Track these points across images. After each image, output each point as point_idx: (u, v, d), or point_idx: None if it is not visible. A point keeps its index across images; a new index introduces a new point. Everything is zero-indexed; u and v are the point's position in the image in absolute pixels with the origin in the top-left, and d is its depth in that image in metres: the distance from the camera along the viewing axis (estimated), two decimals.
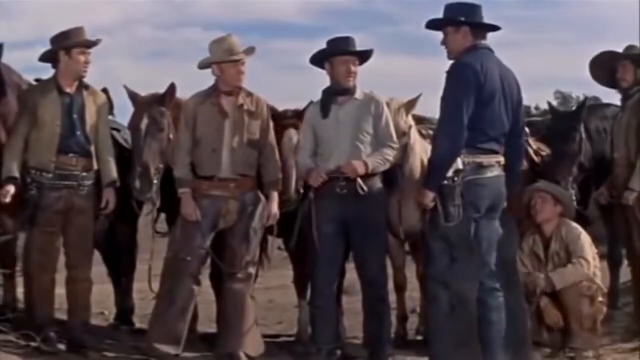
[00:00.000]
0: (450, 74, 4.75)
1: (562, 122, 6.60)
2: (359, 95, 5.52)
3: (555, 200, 5.81)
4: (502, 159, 4.84)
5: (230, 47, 5.41)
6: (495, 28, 4.92)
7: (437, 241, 4.73)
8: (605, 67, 6.35)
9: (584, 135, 6.50)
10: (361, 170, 5.30)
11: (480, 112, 4.70)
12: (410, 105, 5.86)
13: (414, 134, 5.92)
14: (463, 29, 4.84)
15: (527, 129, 6.72)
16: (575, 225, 5.79)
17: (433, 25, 4.95)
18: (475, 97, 4.66)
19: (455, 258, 4.67)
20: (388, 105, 5.70)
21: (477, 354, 4.72)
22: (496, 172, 4.81)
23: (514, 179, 4.96)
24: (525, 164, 6.45)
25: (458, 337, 4.66)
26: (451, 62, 4.88)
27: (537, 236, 5.83)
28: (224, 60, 5.40)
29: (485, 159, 4.75)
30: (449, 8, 4.88)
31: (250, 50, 5.52)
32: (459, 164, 4.66)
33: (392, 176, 5.60)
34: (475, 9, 4.88)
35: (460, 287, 4.67)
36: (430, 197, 4.69)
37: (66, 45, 5.38)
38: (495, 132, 4.80)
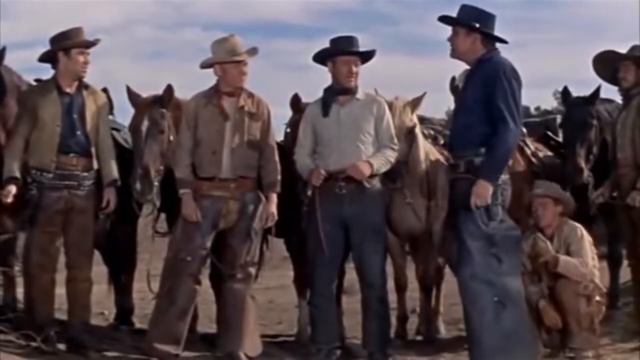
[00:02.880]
0: (513, 76, 4.82)
1: (577, 108, 6.54)
2: (360, 95, 5.52)
3: (555, 201, 5.80)
4: None
5: (233, 48, 5.41)
6: (503, 41, 4.96)
7: (477, 239, 4.73)
8: (607, 65, 6.34)
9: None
10: (367, 171, 5.32)
11: None
12: (415, 103, 5.89)
13: (419, 132, 5.94)
14: (475, 34, 4.89)
15: (524, 130, 6.79)
16: (576, 224, 5.78)
17: (445, 20, 4.97)
18: None
19: (498, 256, 4.70)
20: (393, 103, 5.73)
21: (526, 349, 4.78)
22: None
23: None
24: (522, 165, 6.49)
25: (508, 334, 4.69)
26: (453, 59, 5.00)
27: (537, 235, 5.82)
28: (226, 60, 5.40)
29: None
30: (465, 9, 4.92)
31: (252, 51, 5.52)
32: None
33: (396, 173, 5.60)
34: (490, 18, 4.92)
35: (507, 284, 4.73)
36: (490, 190, 4.73)
37: (65, 46, 5.38)
38: None
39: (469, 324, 4.88)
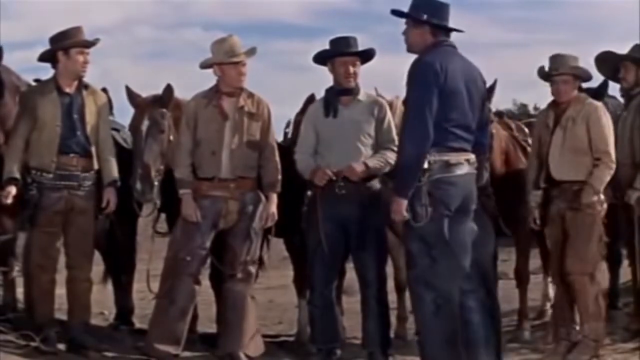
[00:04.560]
0: (410, 74, 4.66)
1: None
2: (362, 96, 5.53)
3: (575, 77, 5.77)
4: (472, 157, 4.78)
5: (231, 48, 5.42)
6: (456, 30, 4.82)
7: (414, 242, 4.68)
8: (609, 64, 6.33)
9: None
10: (362, 172, 5.31)
11: (445, 110, 4.60)
12: None
13: None
14: (423, 27, 4.75)
15: (526, 129, 6.77)
16: (597, 104, 5.78)
17: (396, 14, 4.83)
18: (438, 96, 4.57)
19: (434, 258, 4.63)
20: (393, 102, 5.73)
21: (462, 352, 4.75)
22: (465, 170, 4.74)
23: (480, 175, 4.93)
24: (524, 163, 6.47)
25: (446, 335, 4.65)
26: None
27: (549, 109, 5.88)
28: (224, 61, 5.40)
29: (452, 157, 4.67)
30: (416, 0, 4.78)
31: (251, 51, 5.52)
32: (424, 163, 4.59)
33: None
34: (440, 7, 4.77)
35: (443, 286, 4.65)
36: (404, 205, 4.57)
37: (64, 45, 5.38)
38: (463, 130, 4.71)
39: (416, 325, 4.89)
